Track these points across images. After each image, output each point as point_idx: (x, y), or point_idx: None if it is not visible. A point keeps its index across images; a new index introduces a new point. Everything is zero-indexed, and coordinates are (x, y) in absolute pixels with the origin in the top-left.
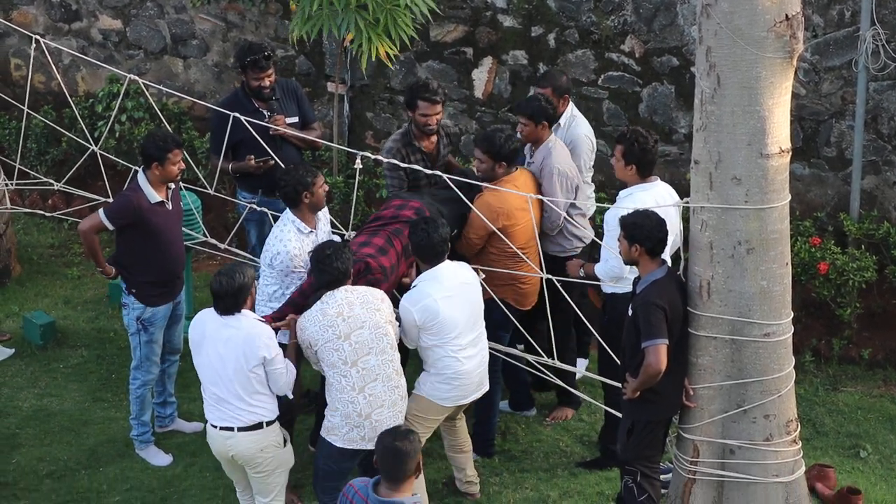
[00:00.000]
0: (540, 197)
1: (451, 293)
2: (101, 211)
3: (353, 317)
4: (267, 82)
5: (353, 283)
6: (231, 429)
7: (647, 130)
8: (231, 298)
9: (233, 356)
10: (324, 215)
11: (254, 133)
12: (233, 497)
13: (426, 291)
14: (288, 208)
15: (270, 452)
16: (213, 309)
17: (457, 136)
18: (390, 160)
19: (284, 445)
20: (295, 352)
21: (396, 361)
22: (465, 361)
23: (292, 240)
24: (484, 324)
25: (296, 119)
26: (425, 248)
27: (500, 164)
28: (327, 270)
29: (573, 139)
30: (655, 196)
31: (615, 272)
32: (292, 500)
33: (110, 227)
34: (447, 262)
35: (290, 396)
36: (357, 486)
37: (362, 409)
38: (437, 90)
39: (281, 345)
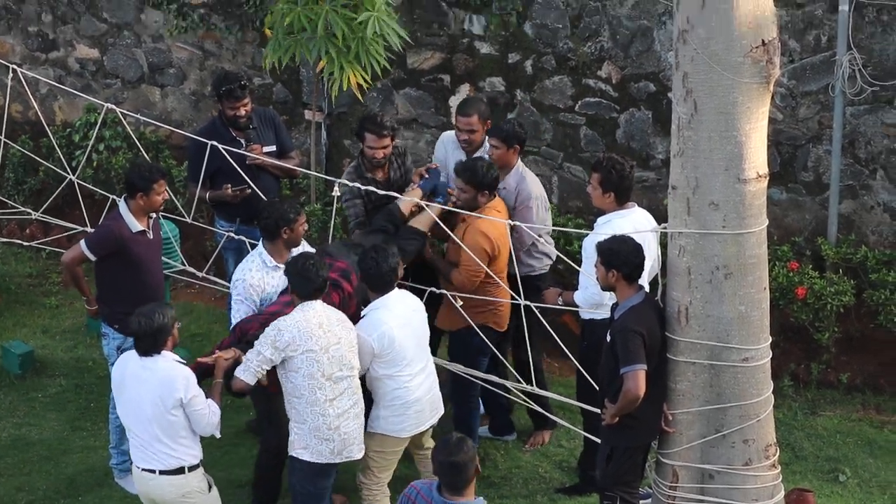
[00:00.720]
0: (535, 226)
1: (403, 321)
2: (82, 242)
3: (331, 331)
4: (243, 111)
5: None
6: (153, 471)
7: (622, 157)
8: (150, 339)
9: (149, 398)
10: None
11: (231, 162)
12: None
13: (381, 319)
14: (262, 240)
15: (193, 498)
16: (133, 352)
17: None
18: (350, 185)
19: (209, 491)
20: (220, 392)
21: (357, 379)
22: (415, 389)
23: (253, 270)
24: (429, 350)
25: (273, 148)
26: (374, 278)
27: (483, 192)
28: (311, 279)
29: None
30: (633, 222)
31: (594, 299)
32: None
33: (92, 257)
34: (395, 290)
35: (218, 436)
36: (419, 487)
37: (332, 422)
38: (384, 123)
39: (238, 385)
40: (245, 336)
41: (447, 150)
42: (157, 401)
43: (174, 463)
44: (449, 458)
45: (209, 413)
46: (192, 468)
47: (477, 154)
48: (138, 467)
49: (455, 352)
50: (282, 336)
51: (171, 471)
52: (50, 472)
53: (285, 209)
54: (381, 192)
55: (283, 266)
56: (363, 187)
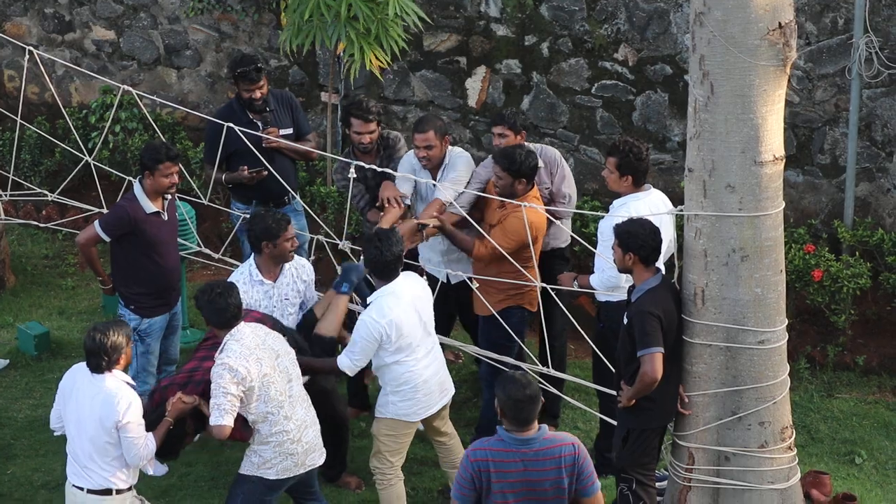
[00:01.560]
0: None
1: (410, 307)
2: (96, 223)
3: (267, 346)
4: (258, 94)
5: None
6: (81, 489)
7: (638, 139)
8: (101, 357)
9: (90, 416)
10: (295, 271)
11: (249, 143)
12: None
13: (389, 305)
14: (252, 254)
15: None
16: (85, 364)
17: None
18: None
19: None
20: (164, 432)
21: (302, 387)
22: (422, 372)
23: (240, 283)
24: (434, 333)
25: (290, 130)
26: (378, 264)
27: (520, 180)
28: (222, 309)
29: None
30: (649, 204)
31: (611, 282)
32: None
33: (106, 238)
34: (401, 276)
35: (150, 472)
36: (483, 447)
37: (294, 436)
38: (369, 108)
39: (222, 428)
40: (164, 403)
41: (414, 169)
42: (97, 420)
43: (103, 483)
44: (516, 394)
45: (143, 445)
46: (119, 491)
47: (473, 182)
48: (70, 482)
49: (489, 336)
50: (236, 373)
51: (98, 491)
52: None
53: (269, 224)
54: (378, 170)
55: (269, 282)
56: (355, 163)
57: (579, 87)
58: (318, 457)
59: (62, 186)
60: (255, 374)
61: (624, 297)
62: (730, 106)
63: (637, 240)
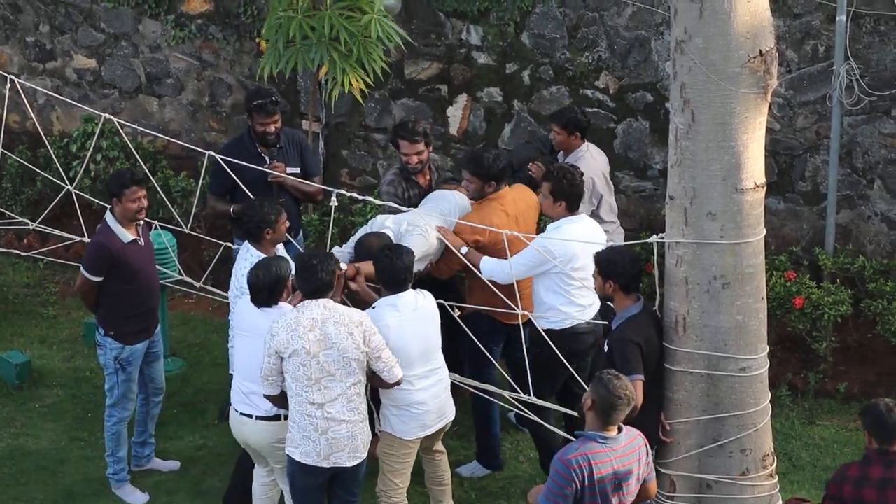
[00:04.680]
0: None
1: (405, 322)
2: (82, 269)
3: (325, 336)
4: (272, 128)
5: None
6: (250, 416)
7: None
8: (266, 292)
9: (264, 347)
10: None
11: (259, 172)
12: None
13: (381, 315)
14: (248, 241)
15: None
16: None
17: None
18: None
19: None
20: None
21: (362, 385)
22: (419, 392)
23: (246, 268)
24: (441, 356)
25: (297, 169)
26: (388, 275)
27: (490, 183)
28: (311, 280)
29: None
30: (582, 228)
31: (498, 276)
32: None
33: (97, 279)
34: (409, 291)
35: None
36: (580, 449)
37: (319, 424)
38: (415, 129)
39: (268, 397)
40: None
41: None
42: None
43: (272, 409)
44: (608, 395)
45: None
46: (288, 417)
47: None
48: (236, 410)
49: (475, 330)
50: (273, 340)
51: (267, 417)
52: (47, 482)
53: (266, 212)
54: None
55: None
56: (336, 191)
57: None
58: (347, 459)
59: (43, 215)
60: (290, 348)
61: (567, 325)
62: (711, 133)
63: (616, 267)
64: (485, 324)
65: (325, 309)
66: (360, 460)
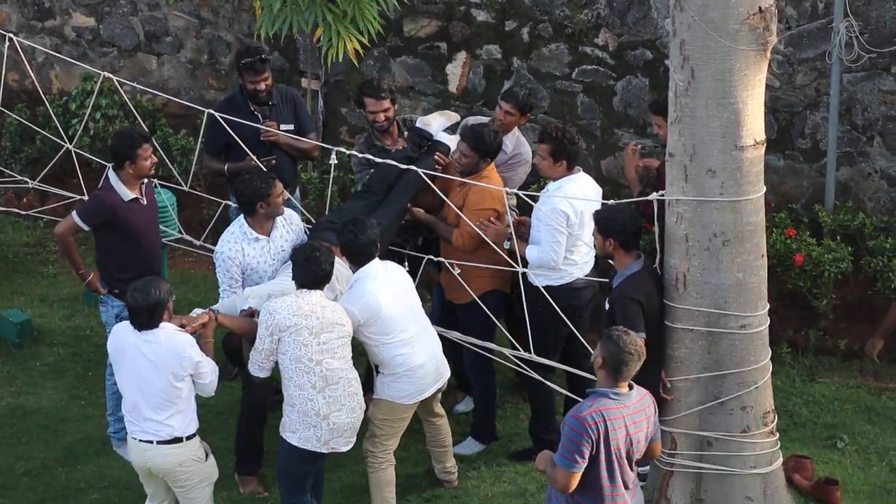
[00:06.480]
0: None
1: (387, 289)
2: (74, 212)
3: (325, 318)
4: (262, 86)
5: None
6: (150, 441)
7: (564, 123)
8: (146, 314)
9: (155, 371)
10: (286, 221)
11: (236, 138)
12: (213, 492)
13: (364, 289)
14: (242, 214)
15: (190, 467)
16: (129, 323)
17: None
18: (360, 157)
19: (206, 459)
20: (212, 348)
21: (355, 371)
22: (415, 355)
23: (232, 242)
24: (425, 316)
25: (291, 126)
26: (353, 249)
27: (485, 160)
28: (311, 270)
29: None
30: (582, 186)
31: (548, 263)
32: (257, 490)
33: (85, 227)
34: (376, 260)
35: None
36: (594, 406)
37: (321, 409)
38: (380, 86)
39: (256, 378)
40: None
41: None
42: (166, 372)
43: (172, 433)
44: (626, 348)
45: (211, 372)
46: (189, 437)
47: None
48: (135, 438)
49: (469, 322)
50: (273, 318)
51: (168, 440)
52: (48, 440)
53: (258, 185)
54: (377, 160)
55: (264, 237)
56: (360, 155)
57: (560, 72)
58: (344, 444)
59: (43, 174)
60: (289, 326)
61: (565, 281)
62: (710, 90)
63: (615, 225)
64: (496, 299)
65: (323, 299)
66: (352, 444)
